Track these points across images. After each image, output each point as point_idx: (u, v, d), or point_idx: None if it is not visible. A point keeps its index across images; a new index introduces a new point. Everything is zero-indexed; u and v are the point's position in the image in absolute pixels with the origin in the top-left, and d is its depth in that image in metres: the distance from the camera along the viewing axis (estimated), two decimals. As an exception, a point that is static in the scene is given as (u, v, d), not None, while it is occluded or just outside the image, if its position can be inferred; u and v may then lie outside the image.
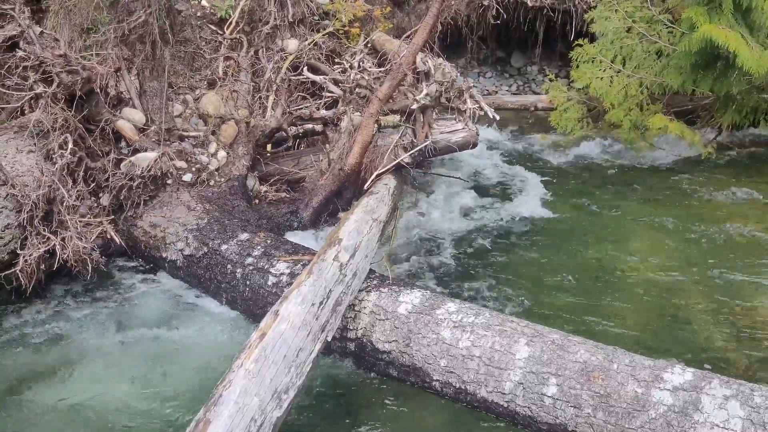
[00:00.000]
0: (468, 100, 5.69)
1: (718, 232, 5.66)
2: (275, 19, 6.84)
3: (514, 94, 9.52)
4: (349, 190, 5.67)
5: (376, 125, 5.71)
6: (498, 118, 5.65)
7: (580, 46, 8.07)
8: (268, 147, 6.17)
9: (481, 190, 6.50)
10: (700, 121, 7.92)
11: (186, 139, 5.47)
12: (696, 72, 7.29)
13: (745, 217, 6.05)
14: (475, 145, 6.14)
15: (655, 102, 7.69)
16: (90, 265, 4.52)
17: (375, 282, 4.12)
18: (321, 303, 3.58)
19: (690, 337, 4.21)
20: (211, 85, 6.04)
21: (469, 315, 3.75)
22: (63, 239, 4.48)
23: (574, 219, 6.03)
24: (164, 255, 4.92)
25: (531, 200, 6.31)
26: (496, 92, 9.48)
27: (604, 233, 5.77)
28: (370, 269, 4.28)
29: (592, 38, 8.27)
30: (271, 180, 5.95)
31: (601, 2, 8.32)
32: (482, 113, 5.70)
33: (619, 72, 7.80)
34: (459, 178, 6.27)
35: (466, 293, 4.75)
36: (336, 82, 6.53)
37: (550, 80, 8.46)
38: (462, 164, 6.97)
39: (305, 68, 6.59)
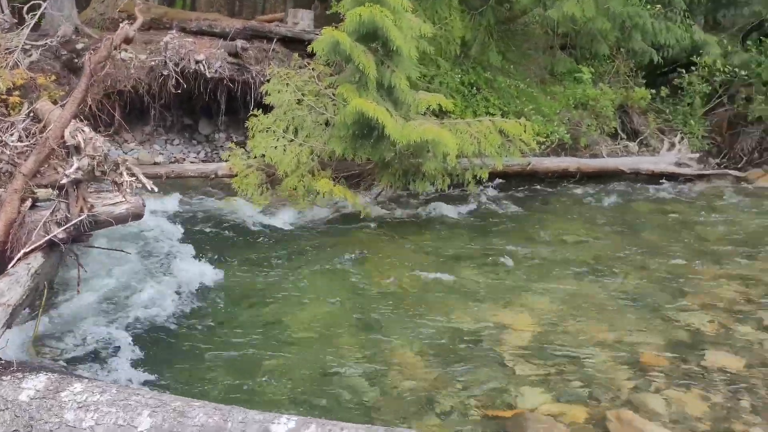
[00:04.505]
0: (125, 173, 5.71)
1: (372, 286, 6.34)
2: None
3: (203, 161, 9.73)
4: (-6, 270, 5.31)
5: (29, 201, 5.48)
6: (156, 190, 5.73)
7: (255, 116, 8.58)
8: None
9: (150, 261, 6.50)
10: (364, 183, 8.84)
11: None
12: (355, 141, 8.18)
13: (397, 268, 6.84)
14: (141, 216, 6.11)
15: (325, 168, 8.42)
16: None
17: (-3, 371, 3.91)
18: None
19: (343, 392, 4.58)
20: None
21: (94, 393, 3.72)
22: None
23: (247, 282, 6.27)
24: None
25: (203, 266, 6.40)
26: (185, 160, 9.60)
27: (275, 294, 6.09)
28: (-3, 357, 4.04)
29: (270, 109, 8.84)
30: None
31: (274, 76, 8.97)
32: (140, 186, 5.75)
33: (291, 141, 8.44)
34: (122, 250, 6.18)
35: (128, 372, 4.69)
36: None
37: (230, 148, 8.82)
38: (136, 235, 6.92)
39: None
